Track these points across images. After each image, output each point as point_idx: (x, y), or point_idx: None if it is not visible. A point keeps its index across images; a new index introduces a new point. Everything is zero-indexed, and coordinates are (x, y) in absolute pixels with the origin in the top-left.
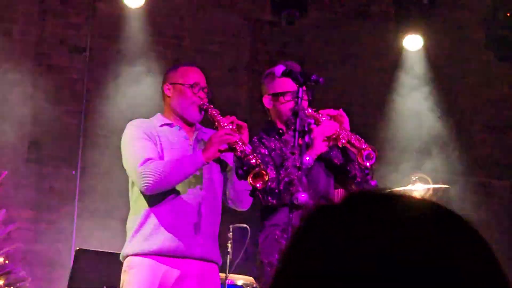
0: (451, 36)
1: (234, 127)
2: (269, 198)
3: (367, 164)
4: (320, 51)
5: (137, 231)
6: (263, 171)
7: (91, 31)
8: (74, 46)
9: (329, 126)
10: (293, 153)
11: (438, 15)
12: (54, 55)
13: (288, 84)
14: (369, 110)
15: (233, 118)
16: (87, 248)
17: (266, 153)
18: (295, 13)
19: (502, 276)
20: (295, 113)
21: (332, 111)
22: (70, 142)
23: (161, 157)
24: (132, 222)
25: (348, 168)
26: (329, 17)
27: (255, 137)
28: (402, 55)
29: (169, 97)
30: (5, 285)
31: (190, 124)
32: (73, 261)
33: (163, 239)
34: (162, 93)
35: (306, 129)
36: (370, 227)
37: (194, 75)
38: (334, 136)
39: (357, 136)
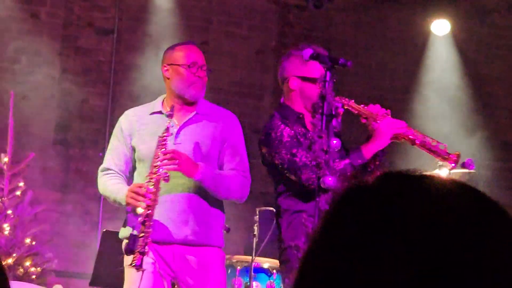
0: (478, 21)
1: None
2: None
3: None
4: (347, 35)
5: (128, 216)
6: None
7: (118, 13)
8: (101, 28)
9: (398, 123)
10: (320, 137)
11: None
12: (82, 37)
13: (319, 70)
14: (397, 95)
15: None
16: (114, 230)
17: (292, 134)
18: None
19: None
20: (322, 97)
21: (376, 109)
22: (97, 124)
23: (127, 162)
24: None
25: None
26: (356, 1)
27: (277, 119)
28: (429, 40)
29: (168, 78)
30: (32, 265)
31: (189, 104)
32: (100, 243)
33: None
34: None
35: (333, 113)
36: (405, 208)
37: (191, 54)
38: (404, 136)
39: (427, 137)
